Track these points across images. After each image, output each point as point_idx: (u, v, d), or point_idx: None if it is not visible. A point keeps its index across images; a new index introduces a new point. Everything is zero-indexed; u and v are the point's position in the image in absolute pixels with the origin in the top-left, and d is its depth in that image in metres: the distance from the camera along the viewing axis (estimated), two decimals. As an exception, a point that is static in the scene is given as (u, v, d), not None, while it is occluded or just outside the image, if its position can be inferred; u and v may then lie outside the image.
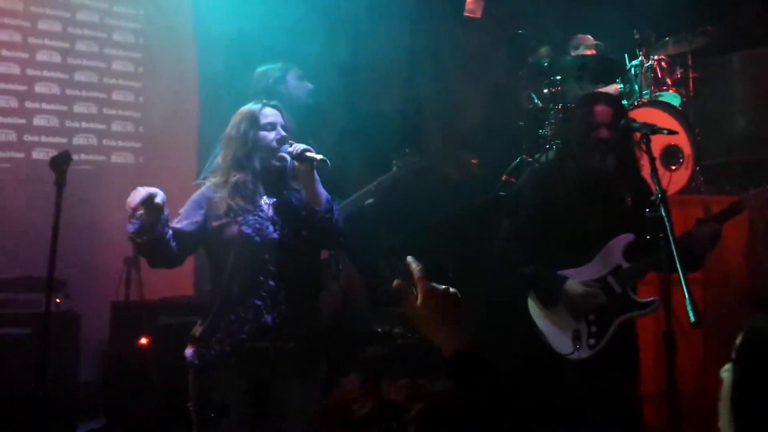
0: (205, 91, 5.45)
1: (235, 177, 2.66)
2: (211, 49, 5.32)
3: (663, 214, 2.44)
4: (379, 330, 5.10)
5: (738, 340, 1.22)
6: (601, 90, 5.17)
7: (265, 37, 4.93)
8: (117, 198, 4.95)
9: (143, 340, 4.24)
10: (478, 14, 6.50)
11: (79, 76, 5.16)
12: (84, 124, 5.14)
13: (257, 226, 2.64)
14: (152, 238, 2.47)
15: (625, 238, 2.88)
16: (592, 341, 2.84)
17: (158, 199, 2.43)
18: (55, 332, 4.12)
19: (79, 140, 5.11)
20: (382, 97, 6.12)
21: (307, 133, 3.79)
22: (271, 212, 2.69)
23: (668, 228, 2.40)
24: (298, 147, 2.65)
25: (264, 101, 2.81)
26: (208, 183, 2.77)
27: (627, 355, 2.94)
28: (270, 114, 2.75)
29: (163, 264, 2.68)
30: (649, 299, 2.86)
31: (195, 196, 2.75)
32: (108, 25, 5.29)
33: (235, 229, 2.62)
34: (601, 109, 2.89)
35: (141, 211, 2.46)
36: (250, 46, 4.94)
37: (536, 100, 5.32)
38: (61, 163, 3.06)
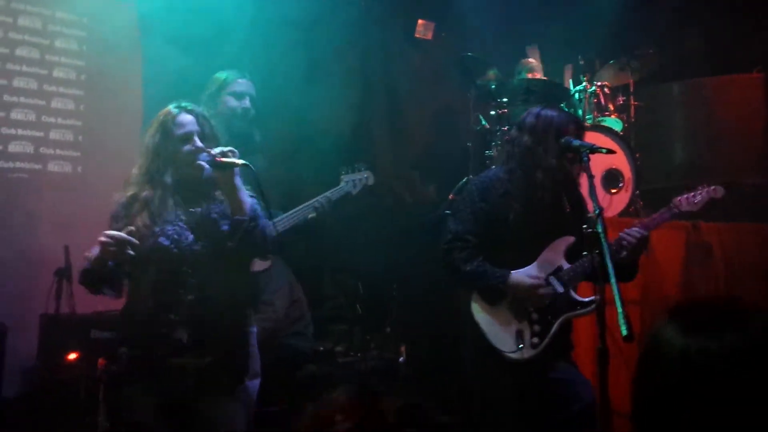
0: (149, 99, 5.33)
1: (146, 192, 2.52)
2: (156, 57, 5.20)
3: (600, 230, 2.47)
4: (321, 348, 5.04)
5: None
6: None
7: (216, 45, 4.87)
8: (52, 207, 4.88)
9: (72, 355, 4.08)
10: (429, 36, 6.60)
11: (17, 83, 4.99)
12: (20, 131, 4.96)
13: (176, 237, 2.49)
14: (103, 270, 2.40)
15: (566, 240, 2.95)
16: (535, 340, 2.87)
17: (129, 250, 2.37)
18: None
19: (14, 147, 4.93)
20: (335, 113, 6.11)
21: (248, 145, 3.77)
22: (191, 223, 2.53)
23: (604, 244, 2.43)
24: (215, 152, 2.50)
25: (180, 105, 2.64)
26: (124, 194, 2.61)
27: (566, 355, 3.01)
28: (185, 122, 2.57)
29: (108, 292, 2.56)
30: (590, 298, 2.88)
31: (113, 210, 2.60)
32: (50, 31, 5.15)
33: (151, 241, 2.47)
34: (573, 130, 2.95)
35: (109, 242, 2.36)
36: (199, 52, 4.85)
37: (483, 122, 5.37)
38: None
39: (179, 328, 2.46)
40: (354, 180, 4.02)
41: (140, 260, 2.46)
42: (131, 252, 2.38)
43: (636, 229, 2.93)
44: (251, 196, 2.66)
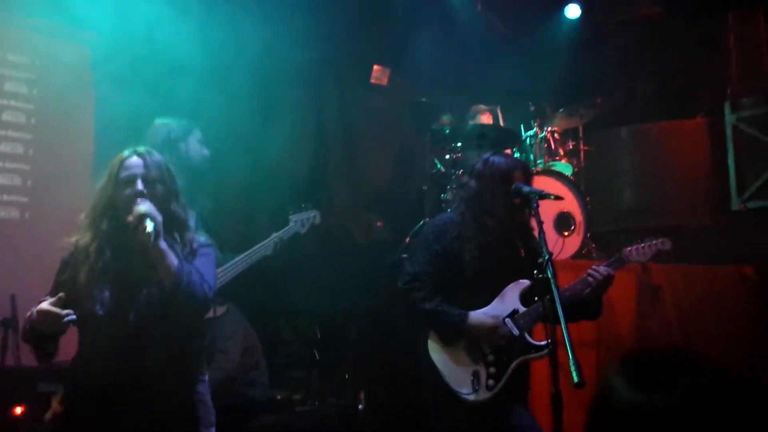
0: (101, 143, 5.26)
1: (85, 239, 2.44)
2: (109, 100, 5.15)
3: (549, 276, 2.50)
4: (278, 397, 4.93)
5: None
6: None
7: (170, 88, 4.83)
8: (-2, 255, 4.74)
9: (18, 409, 3.92)
10: (384, 82, 6.70)
11: (-36, 126, 4.89)
12: (-34, 177, 4.84)
13: (110, 305, 2.40)
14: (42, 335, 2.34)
15: (521, 284, 2.98)
16: (491, 382, 2.88)
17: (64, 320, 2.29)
18: None
19: (-41, 194, 4.80)
20: (291, 156, 6.12)
21: (201, 191, 3.74)
22: (126, 285, 2.43)
23: (554, 290, 2.46)
24: (136, 211, 2.34)
25: (136, 149, 2.56)
26: (69, 240, 2.53)
27: (522, 398, 3.01)
28: (131, 165, 2.48)
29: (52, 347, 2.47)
30: (544, 342, 2.88)
31: (63, 256, 2.54)
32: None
33: (88, 305, 2.39)
34: (519, 176, 3.00)
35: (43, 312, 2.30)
36: (153, 96, 4.80)
37: (439, 165, 5.45)
38: None
39: (124, 387, 2.38)
40: (302, 219, 4.01)
41: (81, 320, 2.38)
42: (69, 320, 2.30)
43: (603, 267, 2.98)
44: (206, 241, 2.62)
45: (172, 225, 2.51)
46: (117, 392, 2.39)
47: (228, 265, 3.73)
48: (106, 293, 2.42)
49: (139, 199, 2.39)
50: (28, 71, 5.19)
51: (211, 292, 2.48)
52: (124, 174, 2.48)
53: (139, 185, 2.44)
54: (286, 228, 3.96)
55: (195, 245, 2.56)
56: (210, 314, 3.68)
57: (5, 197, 4.97)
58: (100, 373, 2.39)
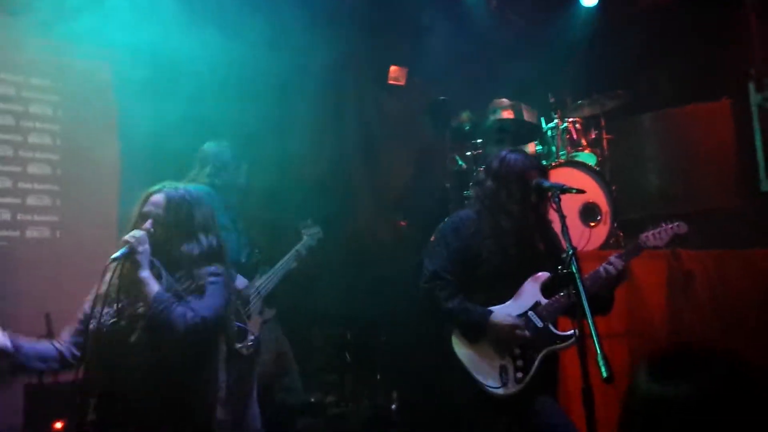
0: (126, 160, 5.35)
1: (108, 265, 2.50)
2: (132, 118, 5.24)
3: (574, 270, 2.49)
4: (312, 400, 4.98)
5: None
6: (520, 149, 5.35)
7: (191, 101, 4.88)
8: (32, 274, 4.84)
9: (59, 424, 4.01)
10: (402, 82, 6.70)
11: (-7, 150, 5.00)
12: (-4, 199, 4.95)
13: (110, 322, 2.49)
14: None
15: (541, 276, 2.98)
16: (519, 375, 2.89)
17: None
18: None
19: (-9, 216, 4.91)
20: (313, 161, 6.15)
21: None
22: (131, 309, 2.51)
23: (580, 285, 2.44)
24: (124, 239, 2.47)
25: (166, 185, 2.64)
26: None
27: (551, 389, 3.01)
28: (154, 201, 2.58)
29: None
30: (569, 331, 2.90)
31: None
32: (24, 97, 5.17)
33: (93, 323, 2.49)
34: (535, 174, 3.01)
35: None
36: (175, 110, 4.86)
37: (460, 162, 5.43)
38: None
39: (126, 402, 2.44)
40: (311, 233, 4.35)
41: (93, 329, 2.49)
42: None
43: (616, 258, 2.97)
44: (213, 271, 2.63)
45: (178, 265, 2.58)
46: (132, 403, 2.44)
47: (264, 278, 4.03)
48: (110, 310, 2.51)
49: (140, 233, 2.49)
50: (52, 93, 5.29)
51: (198, 322, 2.46)
52: (144, 209, 2.57)
53: (148, 224, 2.53)
54: (302, 242, 4.30)
55: (202, 281, 2.57)
56: (267, 317, 4.03)
57: (36, 217, 5.07)
58: (102, 385, 2.46)
